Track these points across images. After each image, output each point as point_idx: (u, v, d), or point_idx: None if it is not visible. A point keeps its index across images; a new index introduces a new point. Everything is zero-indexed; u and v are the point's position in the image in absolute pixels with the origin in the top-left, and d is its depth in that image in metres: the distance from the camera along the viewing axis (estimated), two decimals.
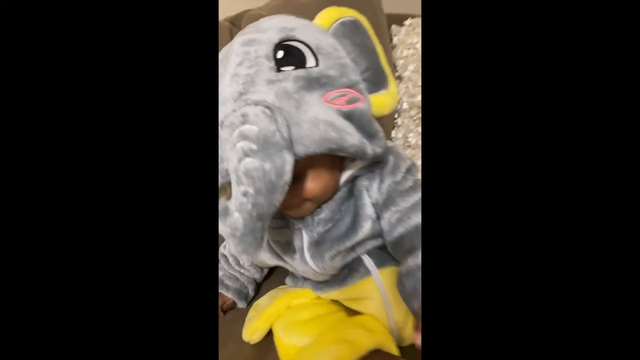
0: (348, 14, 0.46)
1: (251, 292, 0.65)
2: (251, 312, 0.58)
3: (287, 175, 0.35)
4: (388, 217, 0.46)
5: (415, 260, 0.41)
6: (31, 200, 0.29)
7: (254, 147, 0.34)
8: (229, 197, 0.38)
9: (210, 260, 0.30)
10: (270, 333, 0.54)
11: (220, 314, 0.63)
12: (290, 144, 0.35)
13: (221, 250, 0.65)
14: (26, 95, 0.29)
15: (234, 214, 0.35)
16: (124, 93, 0.30)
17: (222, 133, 0.36)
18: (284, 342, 0.50)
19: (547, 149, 0.27)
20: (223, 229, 0.38)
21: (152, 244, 0.29)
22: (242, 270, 0.64)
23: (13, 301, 0.28)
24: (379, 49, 0.47)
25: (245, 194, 0.34)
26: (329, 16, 0.46)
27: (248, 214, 0.34)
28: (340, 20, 0.46)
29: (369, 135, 0.41)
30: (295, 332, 0.50)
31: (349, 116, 0.39)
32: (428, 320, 0.28)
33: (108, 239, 0.29)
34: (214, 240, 0.32)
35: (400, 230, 0.45)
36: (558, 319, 0.26)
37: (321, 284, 0.54)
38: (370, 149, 0.40)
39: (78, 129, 0.29)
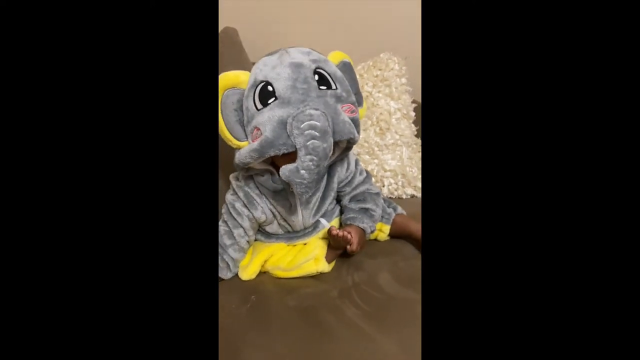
0: (346, 57, 0.74)
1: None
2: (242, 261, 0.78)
3: (331, 150, 0.61)
4: (348, 189, 0.81)
5: (358, 205, 0.79)
6: (32, 200, 0.29)
7: (318, 134, 0.59)
8: (291, 160, 0.61)
9: (210, 247, 0.33)
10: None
11: None
12: (332, 133, 0.61)
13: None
14: (25, 99, 0.29)
15: (301, 172, 0.60)
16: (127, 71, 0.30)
17: (294, 122, 0.60)
18: (281, 263, 0.75)
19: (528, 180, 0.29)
20: (293, 178, 0.61)
21: (154, 232, 0.31)
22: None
23: (17, 299, 0.28)
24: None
25: (312, 160, 0.60)
26: (336, 57, 0.73)
27: (313, 171, 0.61)
28: (342, 61, 0.73)
29: (358, 132, 0.69)
30: (290, 260, 0.76)
31: (352, 120, 0.66)
32: (428, 315, 0.30)
33: (108, 231, 0.30)
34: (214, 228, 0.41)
35: (354, 193, 0.81)
36: (558, 320, 0.28)
37: (293, 238, 0.81)
38: (359, 139, 0.69)
39: (78, 118, 0.30)
